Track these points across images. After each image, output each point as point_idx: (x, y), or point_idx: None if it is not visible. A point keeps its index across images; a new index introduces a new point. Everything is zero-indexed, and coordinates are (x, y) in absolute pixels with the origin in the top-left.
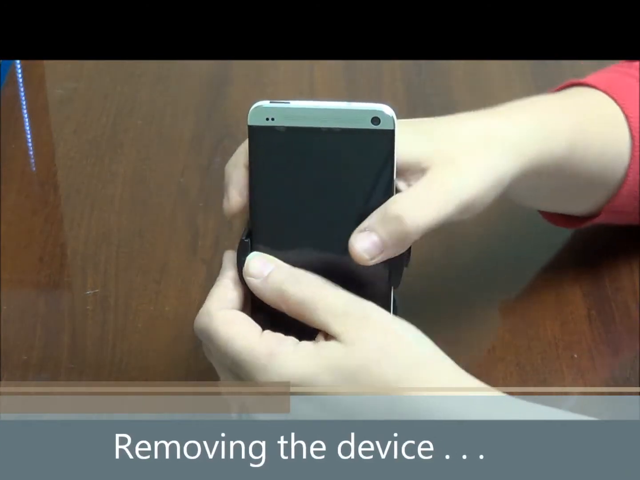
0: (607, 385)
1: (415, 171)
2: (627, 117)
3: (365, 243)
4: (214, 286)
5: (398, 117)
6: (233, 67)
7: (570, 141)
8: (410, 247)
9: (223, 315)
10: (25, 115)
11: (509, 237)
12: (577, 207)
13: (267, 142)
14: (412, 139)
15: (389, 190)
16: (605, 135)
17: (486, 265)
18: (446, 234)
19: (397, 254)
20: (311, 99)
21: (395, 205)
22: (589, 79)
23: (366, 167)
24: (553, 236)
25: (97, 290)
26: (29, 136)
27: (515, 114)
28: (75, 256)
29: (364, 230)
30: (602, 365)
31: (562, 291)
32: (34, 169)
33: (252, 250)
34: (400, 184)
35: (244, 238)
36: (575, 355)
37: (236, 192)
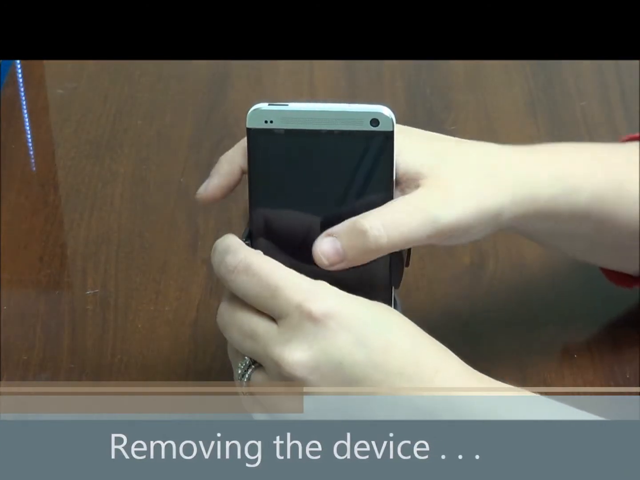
0: (607, 385)
1: (411, 183)
2: None
3: (328, 248)
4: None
5: (398, 118)
6: (233, 67)
7: (598, 195)
8: (410, 249)
9: (258, 253)
10: (25, 115)
11: (509, 238)
12: (631, 265)
13: (266, 145)
14: (418, 148)
15: (388, 192)
16: None
17: (486, 265)
18: None
19: (359, 264)
20: (311, 99)
21: (364, 220)
22: None
23: (366, 169)
24: None
25: (97, 290)
26: (29, 136)
27: (539, 160)
28: (75, 256)
29: (331, 235)
30: (602, 365)
31: (562, 291)
32: (34, 169)
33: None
34: (395, 192)
35: (244, 239)
36: (575, 355)
37: (217, 183)
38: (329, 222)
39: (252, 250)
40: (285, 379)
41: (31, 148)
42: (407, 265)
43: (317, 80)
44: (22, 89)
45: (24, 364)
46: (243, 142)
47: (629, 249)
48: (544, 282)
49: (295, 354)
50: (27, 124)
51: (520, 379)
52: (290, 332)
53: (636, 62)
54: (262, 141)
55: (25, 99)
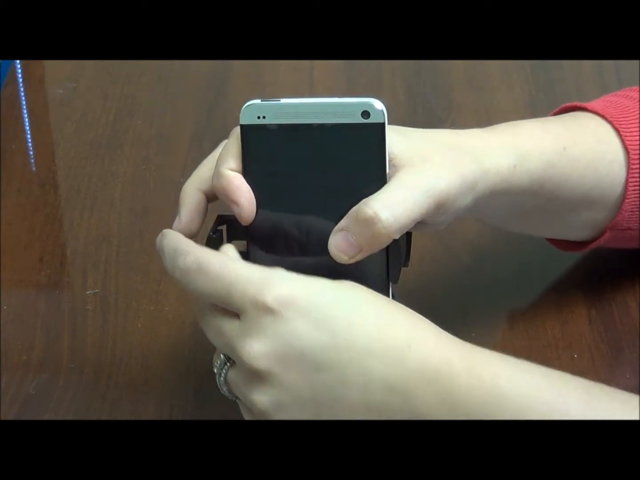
0: (607, 385)
1: (391, 167)
2: (618, 132)
3: (343, 244)
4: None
5: (398, 118)
6: (233, 67)
7: (549, 161)
8: (409, 247)
9: (207, 251)
10: (25, 115)
11: (509, 237)
12: (579, 231)
13: (260, 140)
14: (389, 136)
15: (382, 182)
16: (595, 152)
17: (486, 265)
18: (446, 232)
19: (376, 251)
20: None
21: (366, 207)
22: (583, 103)
23: (358, 161)
24: None
25: (97, 290)
26: (29, 136)
27: (490, 135)
28: (75, 256)
29: (342, 230)
30: (602, 365)
31: (562, 291)
32: (34, 169)
33: (248, 247)
34: None
35: (211, 234)
36: (575, 355)
37: (188, 214)
38: (324, 215)
39: (201, 248)
40: (252, 373)
41: (31, 148)
42: (407, 265)
43: (317, 80)
44: (22, 89)
45: (24, 364)
46: (198, 170)
47: (575, 214)
48: (544, 282)
49: (256, 347)
50: (27, 123)
51: None
52: (249, 326)
53: (636, 62)
54: (255, 137)
55: (25, 98)
